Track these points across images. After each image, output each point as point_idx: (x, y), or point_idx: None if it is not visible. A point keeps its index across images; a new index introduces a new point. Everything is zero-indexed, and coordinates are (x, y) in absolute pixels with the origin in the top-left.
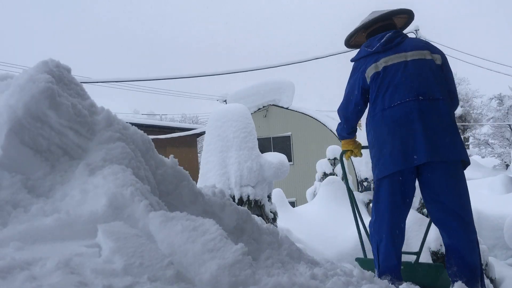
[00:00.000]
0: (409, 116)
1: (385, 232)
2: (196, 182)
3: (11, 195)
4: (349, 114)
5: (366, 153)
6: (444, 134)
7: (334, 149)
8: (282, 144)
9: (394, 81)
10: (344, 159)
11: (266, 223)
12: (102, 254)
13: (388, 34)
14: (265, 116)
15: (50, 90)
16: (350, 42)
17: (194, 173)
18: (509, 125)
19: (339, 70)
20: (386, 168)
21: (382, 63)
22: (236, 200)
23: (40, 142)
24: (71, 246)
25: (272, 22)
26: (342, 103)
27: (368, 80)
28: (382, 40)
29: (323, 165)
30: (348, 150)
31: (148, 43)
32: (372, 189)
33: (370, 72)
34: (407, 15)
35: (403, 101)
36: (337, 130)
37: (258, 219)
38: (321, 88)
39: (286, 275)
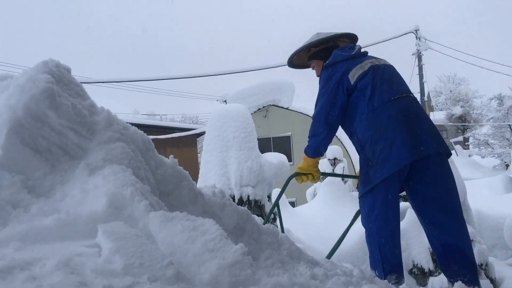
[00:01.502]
0: (410, 108)
1: (390, 231)
2: (196, 182)
3: (11, 195)
4: (333, 119)
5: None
6: (435, 128)
7: (334, 149)
8: (282, 144)
9: (384, 78)
10: (288, 184)
11: None
12: (102, 254)
13: (357, 45)
14: (265, 116)
15: (50, 90)
16: (293, 61)
17: (194, 173)
18: (509, 125)
19: None
20: (398, 161)
21: (367, 63)
22: (236, 200)
23: (40, 142)
24: (71, 246)
25: (272, 22)
26: (322, 110)
27: (353, 80)
28: (357, 48)
29: (323, 165)
30: (306, 174)
31: (149, 43)
32: None
33: (356, 72)
34: (350, 40)
35: (400, 95)
36: (313, 144)
37: (258, 219)
38: None
39: (286, 275)
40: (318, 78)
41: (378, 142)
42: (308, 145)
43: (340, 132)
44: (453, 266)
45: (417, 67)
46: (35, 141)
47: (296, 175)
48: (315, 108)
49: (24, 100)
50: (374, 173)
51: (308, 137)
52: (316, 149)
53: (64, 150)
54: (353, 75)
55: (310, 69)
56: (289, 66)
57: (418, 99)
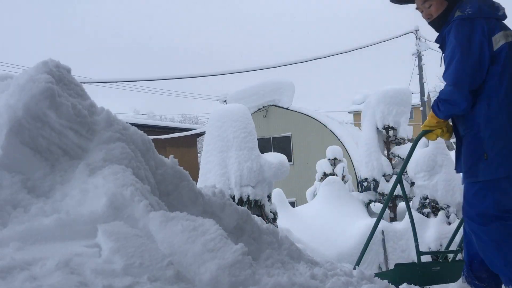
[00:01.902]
0: None
1: None
2: (196, 182)
3: (11, 195)
4: (479, 76)
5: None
6: None
7: (334, 149)
8: (282, 144)
9: None
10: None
11: (266, 223)
12: (102, 254)
13: (499, 3)
14: (265, 116)
15: (50, 90)
16: None
17: (194, 173)
18: None
19: (339, 70)
20: None
21: (509, 36)
22: (236, 200)
23: (40, 142)
24: (71, 246)
25: (272, 23)
26: (465, 76)
27: (496, 47)
28: (502, 10)
29: (323, 165)
30: (435, 129)
31: (148, 43)
32: (372, 189)
33: (500, 39)
34: None
35: None
36: (448, 112)
37: (258, 219)
38: (321, 88)
39: (286, 275)
40: (429, 21)
41: (504, 137)
42: (439, 109)
43: (340, 132)
44: (483, 273)
45: (417, 67)
46: (35, 141)
47: (425, 133)
48: (448, 66)
49: (24, 100)
50: (485, 168)
51: (440, 99)
52: (449, 116)
53: (64, 150)
54: (497, 40)
55: (414, 6)
56: (392, 1)
57: (418, 99)
